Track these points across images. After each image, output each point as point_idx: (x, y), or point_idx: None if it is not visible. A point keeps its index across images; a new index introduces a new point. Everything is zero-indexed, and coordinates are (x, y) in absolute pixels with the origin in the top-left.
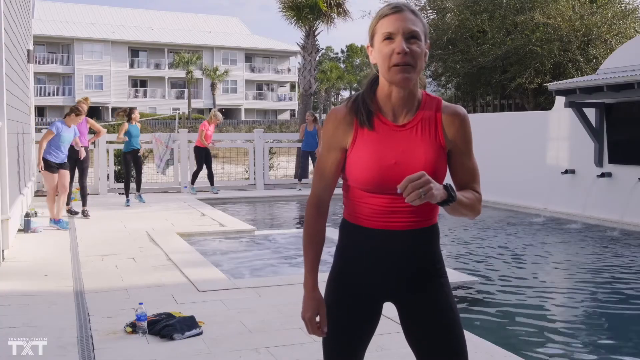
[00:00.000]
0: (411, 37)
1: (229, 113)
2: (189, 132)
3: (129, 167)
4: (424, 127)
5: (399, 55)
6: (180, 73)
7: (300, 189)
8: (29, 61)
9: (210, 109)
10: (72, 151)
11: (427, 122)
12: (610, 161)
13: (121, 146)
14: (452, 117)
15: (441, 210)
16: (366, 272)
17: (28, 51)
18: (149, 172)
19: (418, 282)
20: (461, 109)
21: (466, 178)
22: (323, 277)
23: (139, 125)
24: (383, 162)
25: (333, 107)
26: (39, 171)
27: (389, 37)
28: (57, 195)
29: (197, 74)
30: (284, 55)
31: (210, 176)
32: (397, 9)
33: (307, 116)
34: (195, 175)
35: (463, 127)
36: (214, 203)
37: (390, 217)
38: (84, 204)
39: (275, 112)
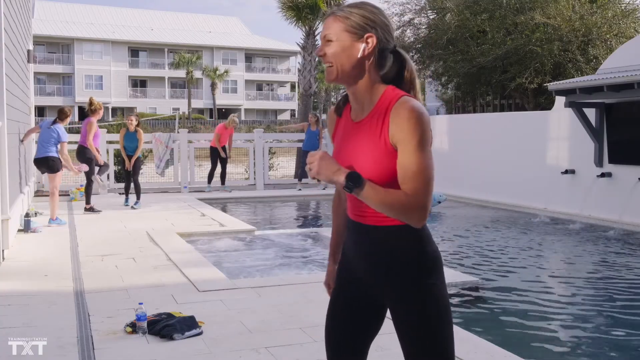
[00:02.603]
0: (326, 41)
1: (229, 113)
2: (189, 132)
3: (127, 171)
4: (372, 124)
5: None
6: (180, 73)
7: (300, 189)
8: (29, 61)
9: (210, 109)
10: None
11: (376, 118)
12: (610, 161)
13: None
14: (397, 113)
15: (442, 209)
16: (355, 268)
17: (28, 51)
18: (149, 172)
19: (396, 285)
20: (411, 104)
21: (401, 177)
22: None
23: (139, 131)
24: (340, 156)
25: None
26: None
27: None
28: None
29: (197, 74)
30: (284, 55)
31: (223, 175)
32: (325, 16)
33: (310, 117)
34: (210, 175)
35: (406, 122)
36: (213, 203)
37: (361, 210)
38: (87, 202)
39: (275, 112)
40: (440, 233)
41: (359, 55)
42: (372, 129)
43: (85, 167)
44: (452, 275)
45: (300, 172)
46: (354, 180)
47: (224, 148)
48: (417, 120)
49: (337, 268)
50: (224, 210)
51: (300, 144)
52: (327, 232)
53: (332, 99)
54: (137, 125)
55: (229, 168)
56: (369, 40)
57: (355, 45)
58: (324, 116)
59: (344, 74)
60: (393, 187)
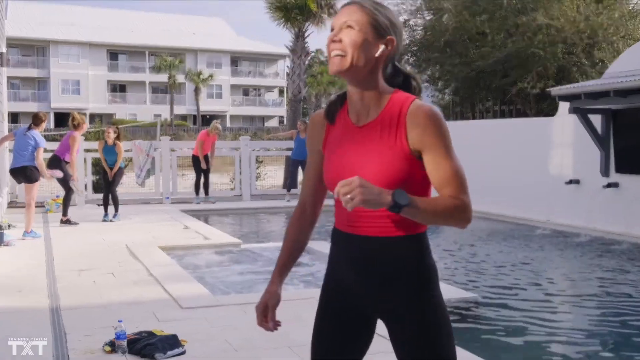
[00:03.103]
0: (346, 27)
1: (213, 119)
2: (171, 139)
3: (106, 181)
4: (383, 129)
5: (331, 44)
6: (162, 77)
7: (289, 200)
8: (2, 65)
9: (194, 116)
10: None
11: (388, 123)
12: (617, 170)
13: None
14: (416, 117)
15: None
16: (344, 278)
17: (1, 54)
18: (129, 182)
19: (394, 297)
20: (429, 107)
21: (439, 183)
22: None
23: (118, 145)
24: (340, 164)
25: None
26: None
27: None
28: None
29: (180, 78)
30: (272, 58)
31: (206, 185)
32: (346, 4)
33: (298, 124)
34: (196, 185)
35: (430, 127)
36: (197, 215)
37: (357, 220)
38: (64, 214)
39: (263, 118)
40: (436, 246)
41: (376, 55)
42: (383, 133)
43: (58, 173)
44: (448, 291)
45: (289, 182)
46: (402, 198)
47: (206, 157)
48: (440, 123)
49: (324, 281)
50: (208, 222)
51: (288, 153)
52: (317, 245)
53: (323, 105)
54: (117, 137)
55: (214, 178)
56: (389, 43)
57: (375, 43)
58: None
59: (356, 68)
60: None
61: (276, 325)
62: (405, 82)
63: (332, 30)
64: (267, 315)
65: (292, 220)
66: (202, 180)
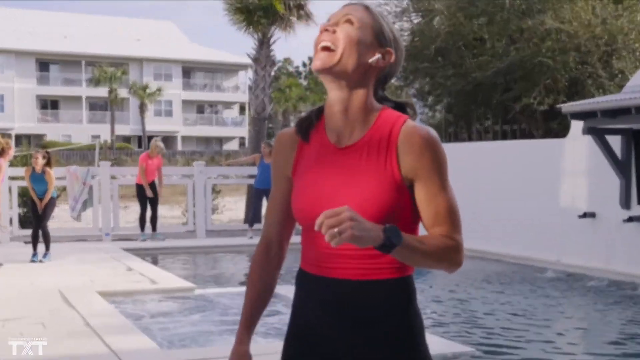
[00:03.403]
0: (345, 20)
1: (162, 141)
2: (112, 165)
3: (36, 214)
4: (370, 152)
5: (322, 34)
6: (101, 91)
7: (251, 237)
8: None
9: (139, 137)
10: None
11: (377, 145)
12: None
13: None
14: (410, 141)
15: None
16: (312, 326)
17: None
18: (62, 215)
19: (376, 349)
20: (427, 130)
21: (432, 219)
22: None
23: (48, 173)
24: (315, 191)
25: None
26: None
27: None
28: None
29: (123, 92)
30: (232, 69)
31: (153, 219)
32: (350, 3)
33: (262, 147)
34: (142, 219)
35: (427, 153)
36: (143, 254)
37: (332, 261)
38: None
39: (221, 140)
40: (422, 291)
41: (370, 61)
42: (370, 157)
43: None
44: (438, 344)
45: (252, 216)
46: (396, 237)
47: (152, 184)
48: (439, 149)
49: (287, 332)
50: (155, 263)
51: (251, 181)
52: (284, 290)
53: (292, 124)
54: (47, 163)
55: (162, 210)
56: (387, 56)
57: (372, 49)
58: None
59: (344, 68)
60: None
61: None
62: (397, 109)
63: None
64: None
65: (255, 261)
66: (148, 213)
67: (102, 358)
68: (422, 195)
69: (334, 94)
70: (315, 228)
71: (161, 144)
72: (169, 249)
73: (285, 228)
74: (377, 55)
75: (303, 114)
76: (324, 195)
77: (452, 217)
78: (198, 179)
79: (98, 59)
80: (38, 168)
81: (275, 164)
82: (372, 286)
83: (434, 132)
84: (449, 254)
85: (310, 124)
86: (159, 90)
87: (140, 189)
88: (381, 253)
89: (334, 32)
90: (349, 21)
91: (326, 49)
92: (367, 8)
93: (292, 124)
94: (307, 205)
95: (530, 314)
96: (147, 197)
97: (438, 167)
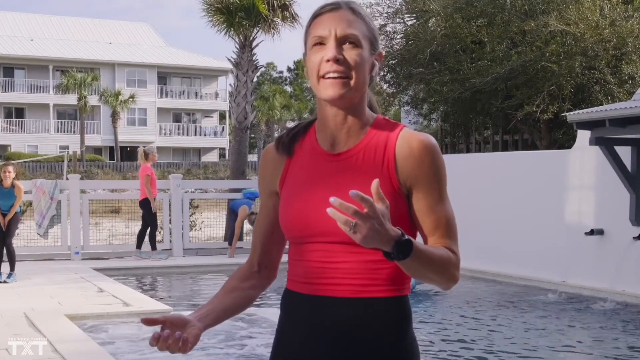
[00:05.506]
0: (347, 41)
1: (135, 153)
2: (82, 178)
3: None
4: (366, 158)
5: (329, 63)
6: (70, 99)
7: (232, 256)
8: None
9: (111, 148)
10: None
11: (373, 151)
12: None
13: None
14: (409, 148)
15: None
16: (298, 350)
17: None
18: (28, 232)
19: None
20: (426, 136)
21: (431, 230)
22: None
23: (18, 186)
24: (309, 199)
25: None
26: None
27: (320, 43)
28: None
29: (93, 100)
30: (211, 74)
31: (152, 236)
32: (332, 6)
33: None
34: (152, 236)
35: (427, 160)
36: (115, 275)
37: (324, 276)
38: None
39: (199, 151)
40: (423, 315)
41: (372, 73)
42: (367, 163)
43: None
44: None
45: (232, 233)
46: (407, 245)
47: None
48: (438, 157)
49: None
50: (128, 284)
51: (231, 195)
52: (267, 313)
53: (276, 133)
54: (15, 177)
55: (136, 227)
56: (379, 58)
57: (371, 60)
58: None
59: (356, 92)
60: None
61: (185, 344)
62: None
63: (318, 37)
64: (179, 329)
65: (235, 272)
66: (146, 229)
67: None
68: (420, 205)
69: (333, 111)
70: (341, 224)
71: (154, 147)
72: (144, 269)
73: (272, 245)
74: (377, 66)
75: (290, 126)
76: (317, 202)
77: (451, 229)
78: (174, 193)
79: (67, 64)
80: (7, 183)
81: (261, 179)
82: (367, 305)
83: (433, 139)
84: (448, 268)
85: (296, 137)
86: (132, 97)
87: (146, 203)
88: (379, 267)
89: (344, 60)
90: (355, 42)
91: (340, 78)
92: (356, 13)
93: (277, 134)
94: (298, 213)
95: (532, 339)
96: (154, 211)
97: (437, 175)
